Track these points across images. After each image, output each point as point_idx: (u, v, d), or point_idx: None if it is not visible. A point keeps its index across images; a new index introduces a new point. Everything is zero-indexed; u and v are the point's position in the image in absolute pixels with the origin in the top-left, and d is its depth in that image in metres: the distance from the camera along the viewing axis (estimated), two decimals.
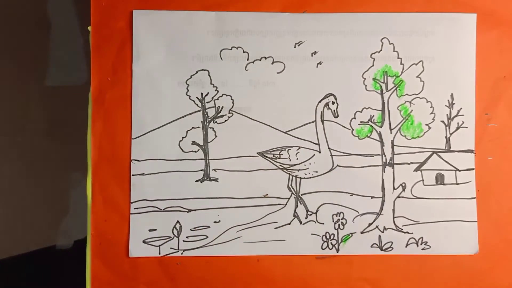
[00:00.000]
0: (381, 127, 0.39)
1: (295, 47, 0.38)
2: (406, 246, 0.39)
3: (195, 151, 0.38)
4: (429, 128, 0.39)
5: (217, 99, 0.38)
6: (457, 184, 0.38)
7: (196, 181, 0.38)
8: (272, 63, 0.38)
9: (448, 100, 0.38)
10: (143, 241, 0.38)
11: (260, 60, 0.38)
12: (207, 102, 0.38)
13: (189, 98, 0.38)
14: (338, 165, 0.38)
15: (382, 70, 0.38)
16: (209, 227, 0.38)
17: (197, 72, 0.38)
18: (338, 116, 0.38)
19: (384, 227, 0.39)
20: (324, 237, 0.39)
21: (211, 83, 0.38)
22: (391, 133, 0.39)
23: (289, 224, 0.39)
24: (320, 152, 0.38)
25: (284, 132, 0.38)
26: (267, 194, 0.38)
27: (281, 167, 0.38)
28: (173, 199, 0.38)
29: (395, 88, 0.38)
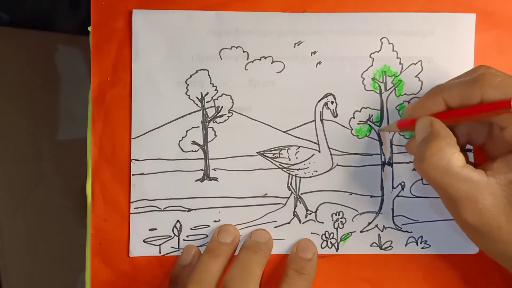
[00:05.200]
0: (380, 126, 0.39)
1: (294, 46, 0.38)
2: (405, 245, 0.39)
3: (195, 151, 0.38)
4: None
5: (217, 99, 0.38)
6: None
7: (196, 180, 0.38)
8: (271, 63, 0.38)
9: None
10: (143, 241, 0.38)
11: (260, 59, 0.38)
12: (206, 102, 0.38)
13: (189, 98, 0.38)
14: (337, 165, 0.38)
15: (381, 70, 0.38)
16: (209, 226, 0.38)
17: (196, 71, 0.38)
18: (337, 115, 0.38)
19: (384, 226, 0.39)
20: (323, 236, 0.39)
21: (210, 83, 0.38)
22: (389, 132, 0.39)
23: (289, 223, 0.39)
24: (319, 152, 0.38)
25: (284, 132, 0.38)
26: (266, 194, 0.38)
27: (280, 166, 0.38)
28: (173, 199, 0.38)
29: (393, 88, 0.38)
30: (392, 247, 0.39)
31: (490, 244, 0.31)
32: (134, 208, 0.38)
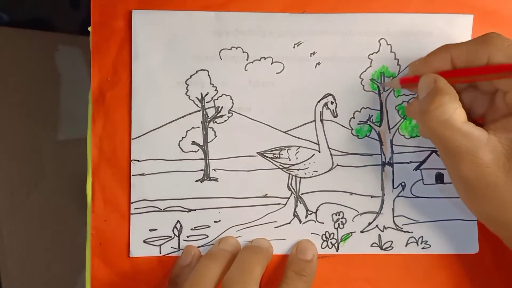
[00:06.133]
0: (379, 126, 0.39)
1: (294, 47, 0.38)
2: (406, 245, 0.39)
3: (195, 151, 0.38)
4: None
5: (217, 99, 0.38)
6: None
7: (196, 181, 0.38)
8: (271, 63, 0.38)
9: None
10: (144, 241, 0.38)
11: (260, 60, 0.38)
12: (206, 102, 0.38)
13: (189, 98, 0.38)
14: (337, 165, 0.38)
15: (379, 70, 0.38)
16: (209, 226, 0.38)
17: (196, 72, 0.38)
18: (337, 115, 0.38)
19: (384, 226, 0.39)
20: (323, 236, 0.39)
21: (210, 83, 0.38)
22: (389, 132, 0.39)
23: (289, 223, 0.39)
24: (319, 152, 0.38)
25: (284, 132, 0.38)
26: (266, 194, 0.38)
27: (281, 166, 0.38)
28: (173, 199, 0.38)
29: (392, 88, 0.38)
30: (393, 247, 0.39)
31: (484, 204, 0.31)
32: (134, 209, 0.38)
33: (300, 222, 0.39)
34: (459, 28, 0.38)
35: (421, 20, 0.38)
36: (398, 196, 0.39)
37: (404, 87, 0.36)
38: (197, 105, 0.38)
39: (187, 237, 0.39)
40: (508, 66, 0.29)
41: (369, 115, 0.39)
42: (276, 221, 0.39)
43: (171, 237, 0.38)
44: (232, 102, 0.38)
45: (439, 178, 0.38)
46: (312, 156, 0.38)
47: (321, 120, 0.38)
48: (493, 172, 0.29)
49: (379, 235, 0.39)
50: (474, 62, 0.31)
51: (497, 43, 0.30)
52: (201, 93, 0.38)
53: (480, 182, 0.29)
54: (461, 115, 0.30)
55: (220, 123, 0.38)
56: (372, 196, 0.39)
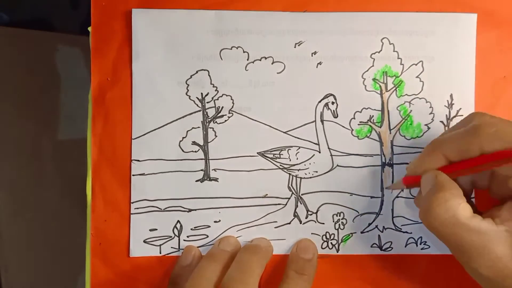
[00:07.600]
0: (380, 127, 0.39)
1: (295, 47, 0.38)
2: (405, 246, 0.39)
3: (195, 151, 0.38)
4: (428, 128, 0.39)
5: (217, 99, 0.38)
6: None
7: (196, 181, 0.38)
8: (272, 63, 0.38)
9: (448, 101, 0.38)
10: (144, 241, 0.38)
11: (260, 60, 0.38)
12: (207, 102, 0.38)
13: (189, 98, 0.38)
14: (338, 165, 0.38)
15: (382, 70, 0.38)
16: (209, 226, 0.38)
17: (197, 72, 0.38)
18: (337, 116, 0.38)
19: (384, 226, 0.39)
20: (324, 236, 0.39)
21: (211, 83, 0.38)
22: (390, 133, 0.39)
23: (289, 223, 0.39)
24: (320, 152, 0.38)
25: (284, 132, 0.38)
26: (267, 194, 0.38)
27: (281, 167, 0.38)
28: (174, 199, 0.38)
29: (394, 88, 0.38)
30: (392, 248, 0.39)
31: None
32: (135, 209, 0.38)
33: (301, 222, 0.39)
34: (462, 28, 0.38)
35: (424, 19, 0.38)
36: (397, 197, 0.39)
37: (409, 186, 0.35)
38: (197, 105, 0.38)
39: (187, 237, 0.38)
40: (502, 153, 0.28)
41: (370, 115, 0.38)
42: (276, 221, 0.39)
43: (171, 237, 0.38)
44: (233, 102, 0.38)
45: None
46: (312, 156, 0.38)
47: (322, 121, 0.38)
48: (508, 265, 0.28)
49: (379, 235, 0.39)
50: (467, 154, 0.30)
51: (484, 131, 0.29)
52: (202, 93, 0.38)
53: (497, 276, 0.29)
54: (466, 210, 0.29)
55: (220, 123, 0.38)
56: (372, 197, 0.39)
